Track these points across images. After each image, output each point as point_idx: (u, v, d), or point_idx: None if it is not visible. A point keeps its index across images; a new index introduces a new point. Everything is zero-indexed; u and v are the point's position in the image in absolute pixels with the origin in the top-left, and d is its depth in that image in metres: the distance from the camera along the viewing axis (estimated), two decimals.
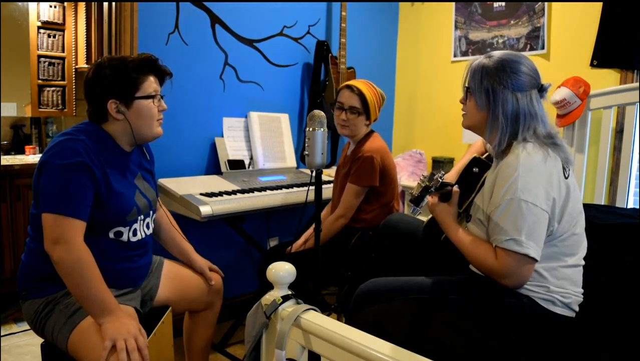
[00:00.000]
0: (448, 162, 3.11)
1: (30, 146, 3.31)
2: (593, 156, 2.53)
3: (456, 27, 3.13)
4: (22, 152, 3.32)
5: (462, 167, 1.61)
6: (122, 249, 1.48)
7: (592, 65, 2.54)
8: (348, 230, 2.15)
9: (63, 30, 3.35)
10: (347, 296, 1.88)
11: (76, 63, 3.42)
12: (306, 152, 1.45)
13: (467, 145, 2.75)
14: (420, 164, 3.26)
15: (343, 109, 2.15)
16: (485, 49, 2.99)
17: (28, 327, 2.03)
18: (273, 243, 2.83)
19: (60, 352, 1.38)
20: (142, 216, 1.53)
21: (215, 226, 2.55)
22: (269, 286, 1.29)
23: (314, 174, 1.48)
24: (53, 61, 3.35)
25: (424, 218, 1.73)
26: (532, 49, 2.78)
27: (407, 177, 3.17)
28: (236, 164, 2.50)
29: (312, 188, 1.49)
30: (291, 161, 2.74)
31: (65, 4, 3.33)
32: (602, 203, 2.44)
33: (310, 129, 1.43)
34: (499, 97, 1.36)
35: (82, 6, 3.32)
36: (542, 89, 1.40)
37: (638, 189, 2.46)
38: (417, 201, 1.47)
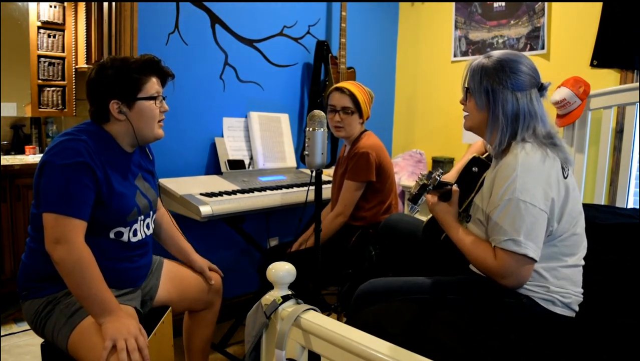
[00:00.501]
0: (448, 162, 3.11)
1: (30, 146, 3.31)
2: (593, 156, 2.53)
3: (456, 27, 3.13)
4: (22, 152, 3.32)
5: (462, 167, 1.60)
6: (123, 250, 1.48)
7: (592, 65, 2.54)
8: (348, 228, 2.16)
9: (63, 30, 3.35)
10: (348, 294, 1.89)
11: (76, 63, 3.42)
12: (306, 152, 1.46)
13: (467, 145, 2.75)
14: (420, 164, 3.26)
15: (336, 110, 2.18)
16: (485, 49, 2.99)
17: (28, 327, 2.03)
18: (273, 243, 2.83)
19: (61, 352, 1.38)
20: (142, 217, 1.53)
21: (215, 226, 2.55)
22: (269, 286, 1.29)
23: (314, 174, 1.48)
24: (53, 61, 3.35)
25: (424, 218, 1.73)
26: (532, 49, 2.78)
27: (407, 177, 3.17)
28: (236, 164, 2.50)
29: (312, 187, 1.50)
30: (291, 161, 2.74)
31: (65, 4, 3.33)
32: (602, 203, 2.44)
33: (310, 129, 1.44)
34: (499, 97, 1.36)
35: (82, 6, 3.32)
36: (542, 88, 1.40)
37: (638, 189, 2.46)
38: (415, 199, 1.47)
